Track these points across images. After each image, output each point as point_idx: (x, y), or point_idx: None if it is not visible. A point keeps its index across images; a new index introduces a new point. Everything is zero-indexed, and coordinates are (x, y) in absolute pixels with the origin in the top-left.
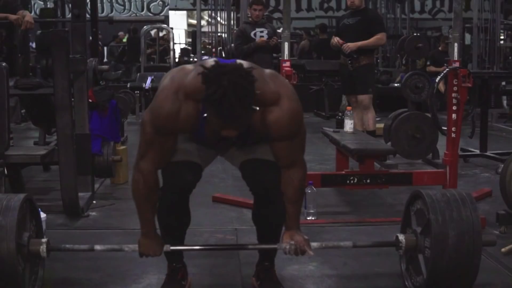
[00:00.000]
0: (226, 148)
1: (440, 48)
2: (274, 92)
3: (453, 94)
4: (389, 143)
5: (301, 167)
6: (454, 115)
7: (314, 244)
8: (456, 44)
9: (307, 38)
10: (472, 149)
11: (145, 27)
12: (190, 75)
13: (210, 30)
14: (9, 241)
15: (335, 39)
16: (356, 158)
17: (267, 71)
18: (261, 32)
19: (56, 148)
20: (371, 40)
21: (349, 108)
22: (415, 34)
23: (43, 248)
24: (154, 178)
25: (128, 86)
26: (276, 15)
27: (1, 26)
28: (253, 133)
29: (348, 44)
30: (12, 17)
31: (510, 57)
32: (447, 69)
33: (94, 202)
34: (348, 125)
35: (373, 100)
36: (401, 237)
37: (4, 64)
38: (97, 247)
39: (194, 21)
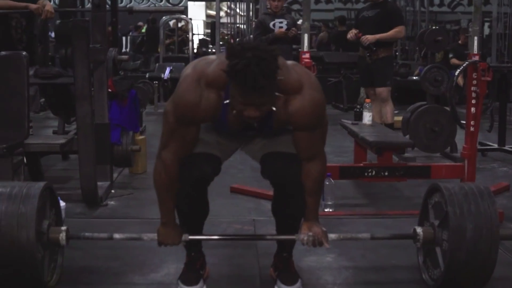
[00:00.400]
0: (248, 138)
1: (460, 42)
2: (296, 81)
3: (473, 88)
4: (408, 136)
5: (321, 159)
6: (473, 109)
7: (332, 236)
8: (475, 38)
9: (325, 30)
10: (490, 143)
11: (164, 17)
12: (212, 64)
13: (228, 21)
14: (29, 228)
15: (352, 32)
16: (375, 150)
17: (290, 61)
18: (280, 23)
19: (75, 137)
20: (390, 33)
21: (368, 100)
22: (434, 27)
23: (62, 236)
24: (176, 168)
25: (147, 76)
26: (295, 6)
27: (21, 16)
28: (275, 121)
29: (367, 36)
30: (33, 6)
31: None
32: (466, 63)
33: (113, 191)
34: (367, 117)
35: (391, 93)
36: (419, 229)
37: (24, 53)
38: (116, 235)
39: (212, 12)
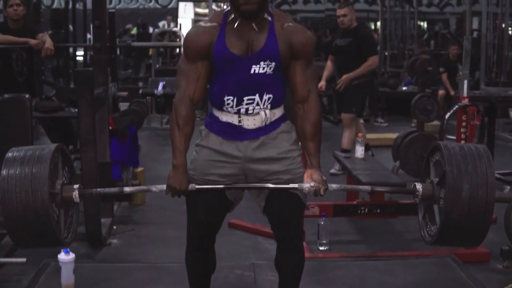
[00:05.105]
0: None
1: (450, 57)
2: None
3: (462, 130)
4: (398, 162)
5: (316, 100)
6: None
7: (333, 186)
8: (465, 81)
9: (314, 34)
10: None
11: (156, 30)
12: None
13: None
14: (43, 191)
15: (322, 83)
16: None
17: None
18: None
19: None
20: (362, 68)
21: (360, 134)
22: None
23: (75, 194)
24: (185, 107)
25: (140, 92)
26: (285, 7)
27: (21, 49)
28: (278, 39)
29: (341, 80)
30: (32, 42)
31: None
32: (456, 106)
33: (115, 227)
34: (359, 151)
35: (383, 104)
36: (419, 186)
37: (27, 96)
38: (127, 189)
39: (201, 10)
